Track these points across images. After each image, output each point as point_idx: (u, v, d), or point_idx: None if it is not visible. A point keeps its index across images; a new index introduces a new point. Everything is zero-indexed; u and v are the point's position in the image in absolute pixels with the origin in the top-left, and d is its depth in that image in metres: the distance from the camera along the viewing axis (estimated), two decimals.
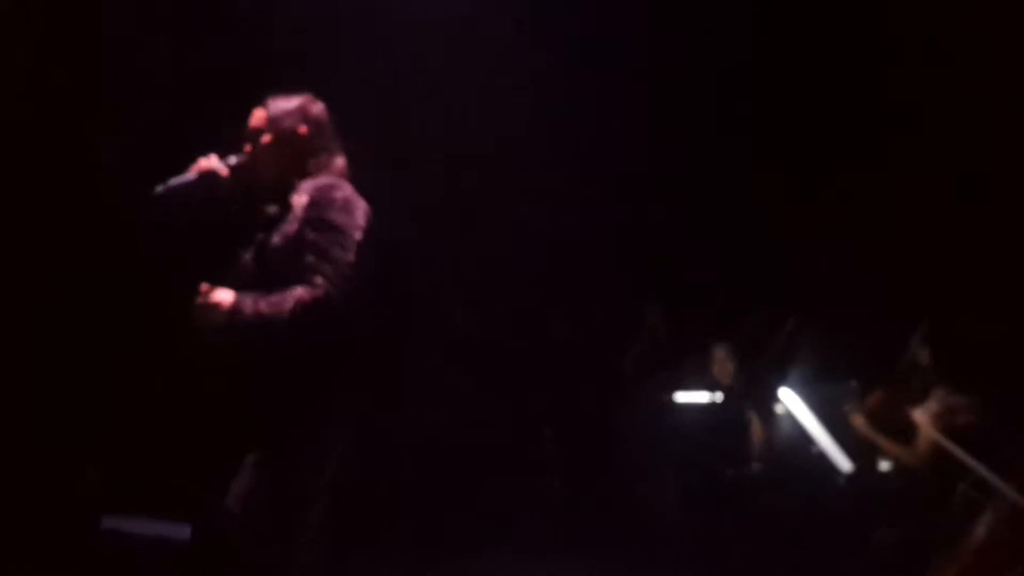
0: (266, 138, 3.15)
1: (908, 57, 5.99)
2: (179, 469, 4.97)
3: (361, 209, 3.03)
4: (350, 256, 2.93)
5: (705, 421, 5.96)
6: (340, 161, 3.19)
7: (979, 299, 5.19)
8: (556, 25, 6.09)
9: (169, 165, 3.16)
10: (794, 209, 6.26)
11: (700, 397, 6.03)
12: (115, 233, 5.30)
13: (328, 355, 2.95)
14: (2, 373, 5.19)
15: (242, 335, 2.90)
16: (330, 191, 3.02)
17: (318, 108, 3.22)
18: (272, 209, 3.07)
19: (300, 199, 3.02)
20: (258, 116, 3.18)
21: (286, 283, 2.89)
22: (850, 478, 4.94)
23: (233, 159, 3.16)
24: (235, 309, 2.90)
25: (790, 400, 5.31)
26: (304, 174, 3.10)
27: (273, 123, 3.16)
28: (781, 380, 5.57)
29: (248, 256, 3.08)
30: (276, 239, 3.00)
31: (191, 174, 3.11)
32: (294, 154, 3.14)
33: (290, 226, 2.99)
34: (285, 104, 3.19)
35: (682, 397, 6.11)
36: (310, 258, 2.91)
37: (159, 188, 3.08)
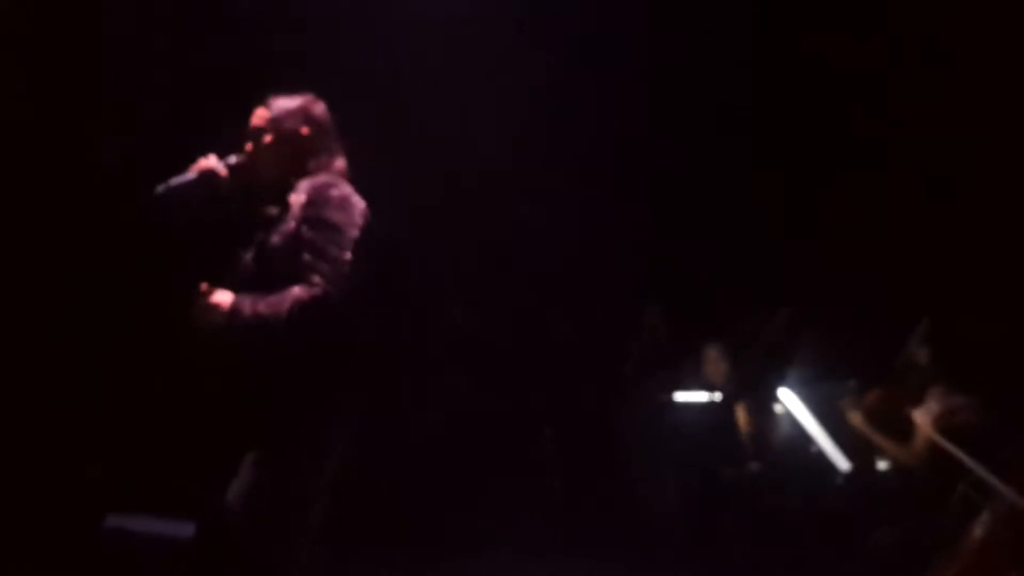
0: (267, 138, 3.15)
1: (908, 57, 5.99)
2: (180, 469, 4.97)
3: (358, 207, 3.04)
4: (347, 254, 2.93)
5: (704, 421, 5.97)
6: (340, 162, 3.19)
7: (979, 299, 5.19)
8: (556, 25, 6.09)
9: (169, 165, 3.16)
10: (794, 209, 6.26)
11: (699, 397, 6.03)
12: (115, 233, 5.30)
13: (328, 355, 2.95)
14: (3, 373, 5.19)
15: (241, 336, 2.90)
16: (327, 189, 3.02)
17: (320, 109, 3.23)
18: (273, 209, 3.07)
19: (298, 198, 3.02)
20: (260, 115, 3.18)
21: (286, 282, 2.90)
22: (848, 477, 4.94)
23: (233, 159, 3.16)
24: (234, 310, 2.90)
25: (789, 400, 5.31)
26: (304, 174, 3.10)
27: (275, 123, 3.16)
28: (777, 373, 5.56)
29: (248, 256, 3.09)
30: (275, 239, 3.00)
31: (191, 174, 3.11)
32: (295, 154, 3.14)
33: (288, 225, 2.99)
34: (287, 104, 3.19)
35: (681, 397, 6.11)
36: (307, 256, 2.91)
37: (159, 188, 3.08)
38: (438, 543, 5.58)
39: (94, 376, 5.46)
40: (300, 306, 2.85)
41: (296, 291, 2.87)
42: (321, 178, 3.07)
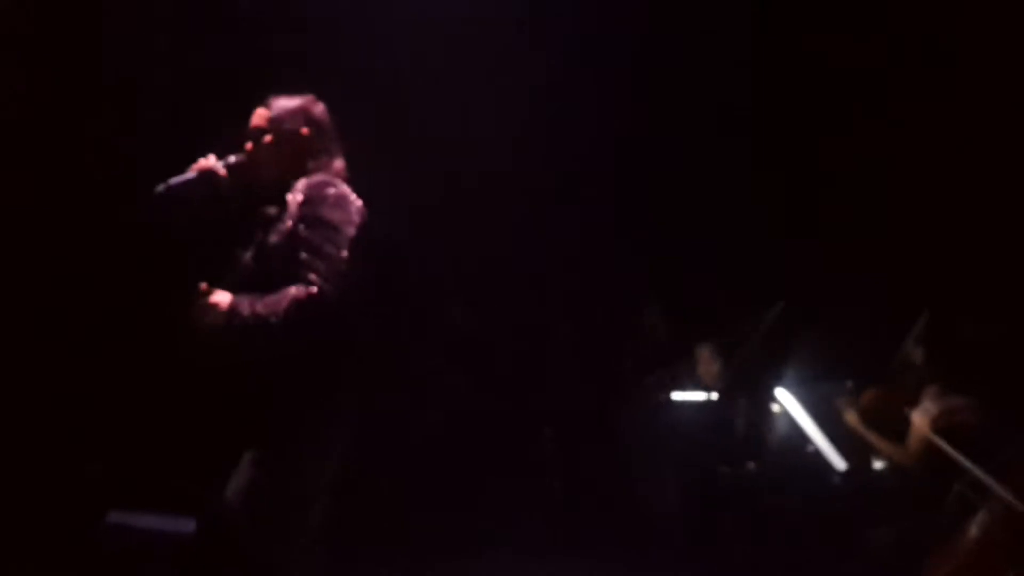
0: (268, 138, 3.16)
1: (908, 57, 5.99)
2: (180, 468, 4.97)
3: (355, 206, 3.04)
4: (344, 252, 2.94)
5: (702, 420, 5.96)
6: (339, 163, 3.19)
7: (979, 299, 5.18)
8: (556, 25, 6.10)
9: (169, 165, 3.16)
10: (794, 209, 6.26)
11: (697, 396, 6.03)
12: (115, 232, 5.30)
13: (328, 355, 2.96)
14: (4, 372, 5.19)
15: (240, 336, 2.91)
16: (323, 188, 3.03)
17: (320, 109, 3.23)
18: (272, 209, 3.08)
19: (295, 197, 3.03)
20: (260, 115, 3.19)
21: (285, 282, 2.90)
22: (845, 477, 4.94)
23: (232, 159, 3.17)
24: (232, 310, 2.91)
25: (786, 400, 5.31)
26: (303, 174, 3.11)
27: (275, 123, 3.17)
28: (771, 371, 5.56)
29: (248, 256, 3.09)
30: (273, 238, 3.01)
31: (191, 173, 3.12)
32: (295, 154, 3.14)
33: (285, 224, 3.00)
34: (287, 104, 3.20)
35: (680, 396, 6.11)
36: (304, 255, 2.91)
37: (159, 187, 3.09)
38: (438, 543, 5.58)
39: (94, 375, 5.46)
40: (297, 304, 2.85)
41: (293, 290, 2.87)
42: (317, 177, 3.08)
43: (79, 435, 5.37)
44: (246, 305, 2.90)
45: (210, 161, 3.14)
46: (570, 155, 6.45)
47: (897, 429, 4.61)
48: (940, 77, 5.85)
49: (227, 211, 3.14)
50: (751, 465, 5.71)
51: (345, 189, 3.07)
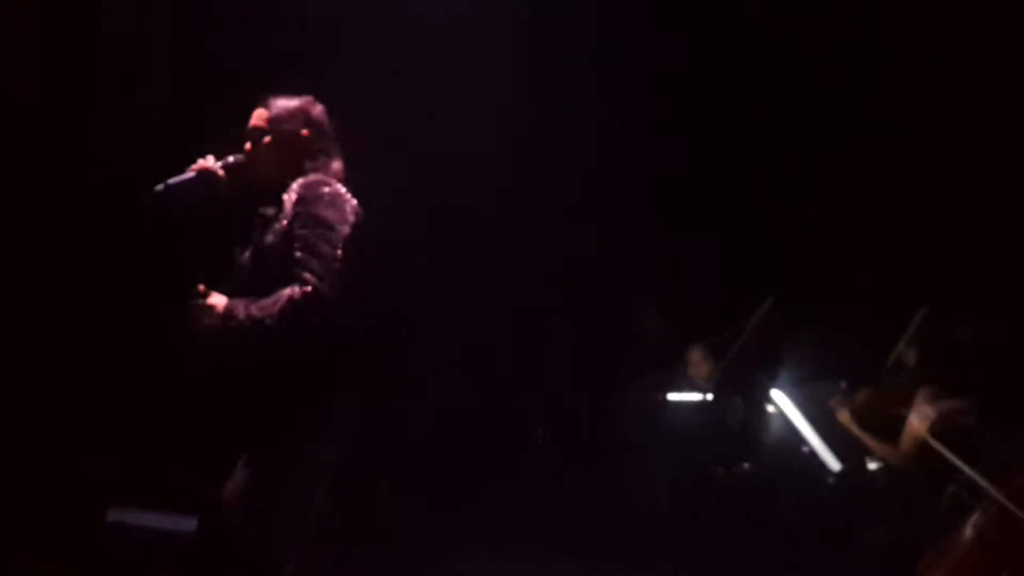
0: (267, 138, 3.16)
1: (908, 57, 5.99)
2: (180, 468, 4.97)
3: (349, 204, 3.05)
4: (338, 251, 2.94)
5: (697, 420, 5.96)
6: (337, 164, 3.20)
7: (975, 300, 5.18)
8: (556, 25, 6.10)
9: (169, 165, 3.17)
10: (794, 209, 6.26)
11: (693, 396, 6.02)
12: (115, 232, 5.30)
13: (327, 355, 2.96)
14: (5, 371, 5.19)
15: (238, 338, 2.91)
16: (318, 187, 3.03)
17: (319, 110, 3.24)
18: (269, 210, 3.08)
19: (290, 196, 3.04)
20: (259, 115, 3.19)
21: (282, 281, 2.91)
22: (839, 477, 4.94)
23: (231, 159, 3.17)
24: (228, 313, 2.91)
25: (780, 400, 5.31)
26: (301, 175, 3.11)
27: (274, 124, 3.17)
28: (760, 365, 5.56)
29: (246, 256, 3.10)
30: (270, 238, 3.02)
31: (190, 173, 3.12)
32: (293, 155, 3.15)
33: (281, 224, 3.00)
34: (287, 105, 3.20)
35: (675, 396, 6.11)
36: (299, 254, 2.92)
37: (158, 187, 3.09)
38: (438, 543, 5.58)
39: (94, 374, 5.47)
40: (292, 304, 2.86)
41: (288, 291, 2.88)
42: (312, 176, 3.08)
43: (79, 434, 5.37)
44: (242, 308, 2.91)
45: (209, 161, 3.15)
46: (570, 155, 6.45)
47: (890, 429, 4.61)
48: (940, 77, 5.85)
49: (226, 211, 3.15)
50: (746, 465, 5.72)
51: (340, 188, 3.07)
